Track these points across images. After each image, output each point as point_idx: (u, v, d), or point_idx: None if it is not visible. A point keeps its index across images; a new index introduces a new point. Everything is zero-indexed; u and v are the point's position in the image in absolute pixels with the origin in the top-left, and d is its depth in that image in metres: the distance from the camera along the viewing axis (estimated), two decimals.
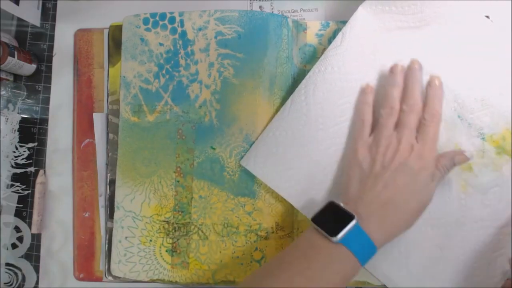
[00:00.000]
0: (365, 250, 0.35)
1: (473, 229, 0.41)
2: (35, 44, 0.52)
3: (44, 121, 0.51)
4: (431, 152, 0.37)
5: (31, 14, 0.50)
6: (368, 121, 0.40)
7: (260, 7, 0.49)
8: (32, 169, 0.50)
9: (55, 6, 0.51)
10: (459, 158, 0.38)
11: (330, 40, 0.45)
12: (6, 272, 0.50)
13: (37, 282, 0.50)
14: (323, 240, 0.35)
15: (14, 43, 0.51)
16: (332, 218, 0.36)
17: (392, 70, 0.40)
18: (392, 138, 0.38)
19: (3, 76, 0.50)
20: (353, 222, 0.34)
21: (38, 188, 0.49)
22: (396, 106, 0.39)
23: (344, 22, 0.44)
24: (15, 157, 0.50)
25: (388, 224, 0.36)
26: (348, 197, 0.38)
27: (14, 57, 0.47)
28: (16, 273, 0.50)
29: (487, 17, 0.40)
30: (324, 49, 0.45)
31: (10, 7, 0.46)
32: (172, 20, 0.47)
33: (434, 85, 0.39)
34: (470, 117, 0.41)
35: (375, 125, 0.40)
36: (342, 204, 0.37)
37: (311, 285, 0.33)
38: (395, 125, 0.39)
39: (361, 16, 0.43)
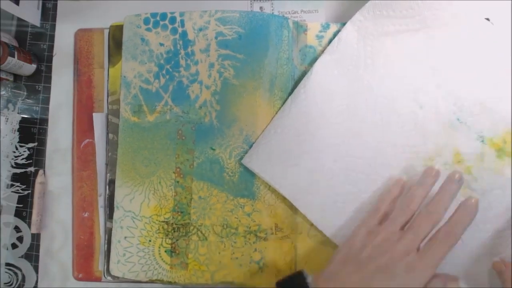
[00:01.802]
0: None
1: (473, 232, 0.41)
2: (35, 44, 0.52)
3: (44, 121, 0.51)
4: (427, 270, 0.33)
5: (31, 14, 0.50)
6: (381, 212, 0.39)
7: (261, 7, 0.49)
8: (32, 169, 0.50)
9: (55, 6, 0.51)
10: (452, 283, 0.35)
11: (330, 42, 0.45)
12: (6, 272, 0.50)
13: (37, 282, 0.50)
14: None
15: (14, 43, 0.51)
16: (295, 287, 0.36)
17: (426, 171, 0.38)
18: (393, 234, 0.36)
19: (3, 76, 0.49)
20: None
21: (37, 188, 0.49)
22: (413, 206, 0.37)
23: (344, 24, 0.44)
24: (15, 157, 0.50)
25: None
26: (324, 272, 0.37)
27: (14, 57, 0.47)
28: (16, 273, 0.50)
29: (487, 19, 0.40)
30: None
31: (10, 7, 0.46)
32: (172, 20, 0.46)
33: (466, 207, 0.35)
34: (469, 120, 0.41)
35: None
36: (309, 280, 0.36)
37: None
38: (404, 223, 0.37)
39: (358, 22, 0.43)
